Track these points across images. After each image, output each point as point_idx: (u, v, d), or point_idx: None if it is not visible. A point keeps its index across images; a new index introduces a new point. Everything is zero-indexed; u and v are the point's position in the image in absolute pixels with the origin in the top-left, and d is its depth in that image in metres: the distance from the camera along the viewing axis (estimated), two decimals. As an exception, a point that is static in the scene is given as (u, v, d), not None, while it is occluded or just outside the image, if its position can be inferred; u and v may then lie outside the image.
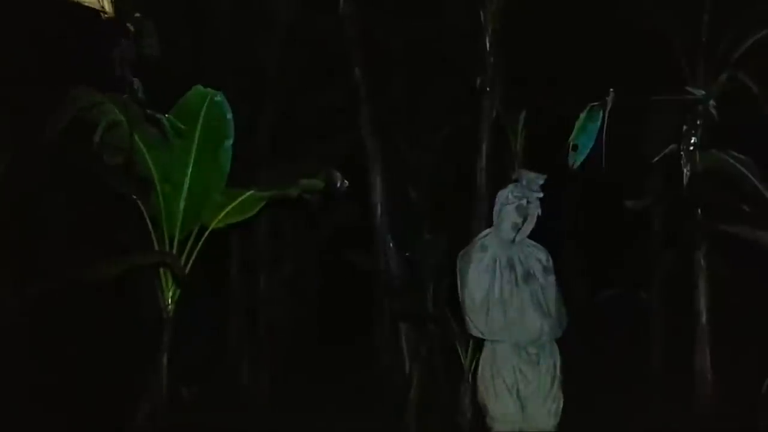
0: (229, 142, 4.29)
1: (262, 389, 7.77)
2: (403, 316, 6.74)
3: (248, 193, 4.30)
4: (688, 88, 3.94)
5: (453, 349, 5.79)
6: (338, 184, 4.29)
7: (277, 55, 8.41)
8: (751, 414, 5.56)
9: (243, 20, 8.30)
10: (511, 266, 4.72)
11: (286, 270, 8.54)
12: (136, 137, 4.05)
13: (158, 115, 3.97)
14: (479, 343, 4.93)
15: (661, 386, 7.96)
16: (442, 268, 5.96)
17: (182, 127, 4.08)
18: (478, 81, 6.74)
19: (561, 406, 4.70)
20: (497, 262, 4.71)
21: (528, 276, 4.74)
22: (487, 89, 6.70)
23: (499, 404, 4.64)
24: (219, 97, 4.15)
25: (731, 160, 4.78)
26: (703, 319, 6.86)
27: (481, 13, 6.68)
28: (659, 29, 6.71)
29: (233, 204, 4.29)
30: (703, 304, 6.84)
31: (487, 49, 6.68)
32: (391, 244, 7.13)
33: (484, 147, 6.73)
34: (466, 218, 6.53)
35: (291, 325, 8.42)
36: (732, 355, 7.01)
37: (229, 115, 4.21)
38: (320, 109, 8.39)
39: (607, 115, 3.87)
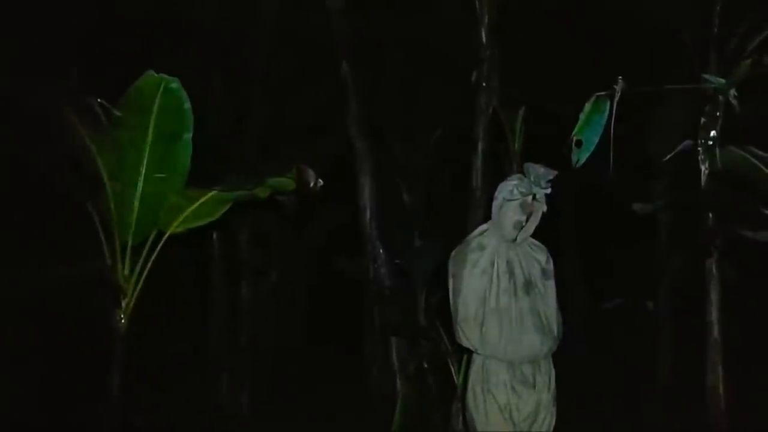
0: (188, 135, 3.81)
1: (242, 403, 7.33)
2: (393, 330, 6.29)
3: (210, 194, 3.82)
4: (706, 76, 3.47)
5: (445, 364, 5.33)
6: (312, 184, 3.80)
7: (262, 51, 8.08)
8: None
9: (227, 15, 7.95)
10: (511, 272, 4.14)
11: (270, 278, 8.13)
12: (83, 129, 3.58)
13: (89, 100, 3.50)
14: (471, 359, 4.42)
15: (669, 402, 7.60)
16: (435, 277, 5.52)
17: (117, 113, 3.61)
18: (474, 76, 6.37)
19: (553, 424, 4.18)
20: (495, 266, 4.14)
21: (528, 285, 4.18)
22: (483, 85, 6.34)
23: (491, 425, 4.13)
24: (175, 84, 3.65)
25: (751, 158, 4.31)
26: (715, 331, 6.47)
27: (477, 3, 6.31)
28: (668, 19, 6.37)
29: (194, 206, 3.82)
30: (714, 315, 6.44)
31: (483, 42, 6.31)
32: (381, 251, 6.72)
33: (480, 146, 6.38)
34: (461, 223, 6.15)
35: (274, 336, 7.97)
36: (746, 370, 6.63)
37: (187, 105, 3.72)
38: (308, 107, 8.03)
39: (615, 105, 3.36)
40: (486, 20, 6.30)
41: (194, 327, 7.64)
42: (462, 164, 6.62)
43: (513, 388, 4.12)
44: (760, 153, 4.39)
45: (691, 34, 6.34)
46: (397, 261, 6.54)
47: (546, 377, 4.19)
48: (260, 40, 8.07)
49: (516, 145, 6.68)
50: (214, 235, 8.01)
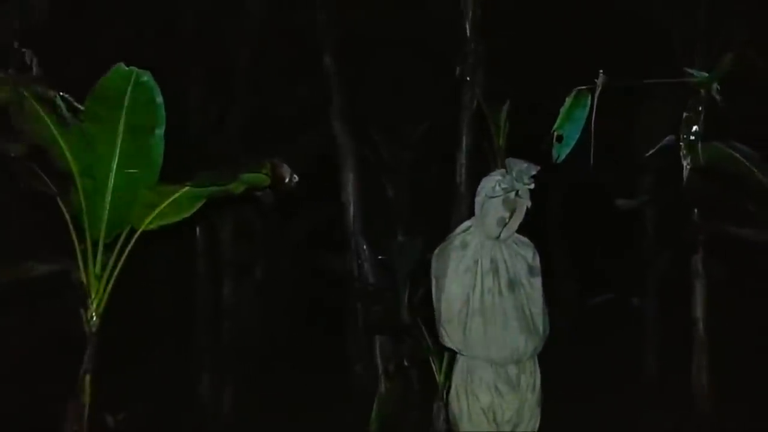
0: (161, 129, 3.71)
1: (224, 402, 7.25)
2: (375, 328, 6.22)
3: (183, 190, 3.71)
4: (689, 70, 3.41)
5: (426, 362, 5.26)
6: (287, 179, 3.71)
7: (247, 45, 7.98)
8: (751, 426, 5.12)
9: (211, 7, 7.83)
10: (495, 270, 4.03)
11: (253, 275, 8.04)
12: (49, 122, 3.48)
13: (51, 93, 3.39)
14: (455, 358, 4.34)
15: (656, 398, 7.56)
16: (418, 274, 5.44)
17: (80, 107, 3.51)
18: (458, 70, 6.29)
19: (538, 424, 4.09)
20: (479, 264, 4.03)
21: (513, 284, 4.07)
22: (468, 79, 6.25)
23: (474, 426, 4.05)
24: (146, 77, 3.55)
25: (735, 154, 4.25)
26: (701, 327, 6.45)
27: (461, -3, 6.24)
28: (653, 15, 6.34)
29: (166, 202, 3.72)
30: (700, 311, 6.43)
31: (468, 35, 6.22)
32: (364, 247, 6.65)
33: (464, 141, 6.29)
34: (446, 219, 6.07)
35: (256, 333, 7.88)
36: (731, 365, 6.61)
37: (159, 99, 3.62)
38: (292, 102, 7.93)
39: (596, 100, 3.29)
40: (470, 14, 6.21)
41: (173, 325, 7.52)
42: (447, 160, 6.52)
43: (497, 389, 4.02)
44: (744, 148, 4.34)
45: (678, 28, 6.31)
46: (380, 257, 6.45)
47: (531, 378, 4.09)
48: (244, 34, 7.96)
49: (500, 141, 6.62)
50: (197, 231, 7.95)
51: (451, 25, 6.35)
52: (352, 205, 6.75)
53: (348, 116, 6.76)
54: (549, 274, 4.47)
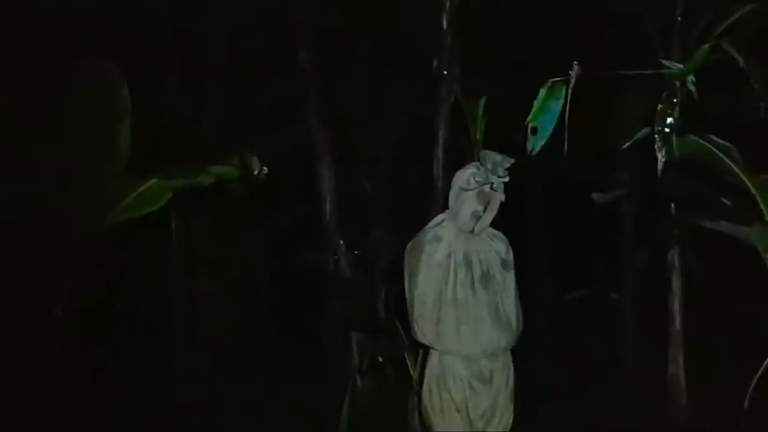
0: (127, 121, 3.63)
1: (198, 397, 7.19)
2: (350, 323, 6.17)
3: (150, 182, 3.64)
4: (664, 61, 3.37)
5: (401, 358, 5.22)
6: (256, 171, 3.65)
7: (222, 39, 7.89)
8: (726, 420, 5.12)
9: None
10: (468, 264, 4.00)
11: (228, 270, 7.97)
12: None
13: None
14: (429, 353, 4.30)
15: (633, 391, 7.60)
16: (394, 269, 5.38)
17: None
18: (435, 64, 6.24)
19: (511, 420, 4.10)
20: (452, 258, 4.00)
21: (486, 278, 4.04)
22: (445, 72, 6.21)
23: (446, 423, 4.02)
24: (112, 69, 3.48)
25: (711, 147, 4.23)
26: (677, 321, 6.46)
27: (438, -11, 6.18)
28: (631, 7, 6.30)
29: (133, 195, 3.64)
30: (677, 305, 6.43)
31: (444, 28, 6.17)
32: (341, 242, 6.60)
33: (440, 135, 6.25)
34: (423, 214, 6.02)
35: (230, 329, 7.81)
36: (707, 359, 6.66)
37: (125, 90, 3.55)
38: (268, 96, 7.85)
39: (570, 92, 3.25)
40: (447, 7, 6.16)
41: (146, 320, 7.44)
42: (424, 154, 6.47)
43: (470, 384, 4.01)
44: (720, 141, 4.32)
45: (654, 19, 6.28)
46: (356, 252, 6.40)
47: (504, 373, 4.09)
48: (219, 27, 7.87)
49: (478, 135, 6.58)
50: (173, 225, 7.87)
51: (428, 18, 6.31)
52: (328, 199, 6.70)
53: (324, 110, 6.70)
54: (527, 268, 4.44)
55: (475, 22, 6.31)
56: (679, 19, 5.99)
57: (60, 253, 3.65)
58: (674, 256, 6.34)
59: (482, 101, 6.47)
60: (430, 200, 6.16)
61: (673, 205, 5.95)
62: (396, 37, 7.27)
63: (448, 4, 6.14)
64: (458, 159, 6.30)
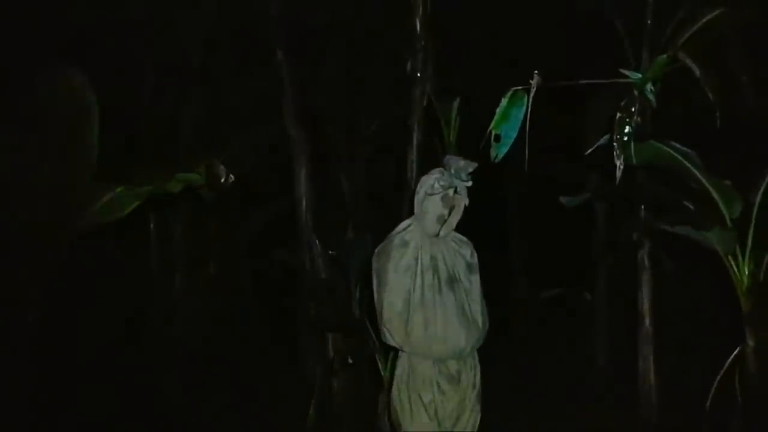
0: (94, 129, 3.66)
1: (175, 396, 7.20)
2: (326, 324, 6.21)
3: (118, 190, 3.67)
4: (623, 71, 3.45)
5: (372, 359, 5.28)
6: (222, 179, 3.69)
7: (199, 39, 7.89)
8: (694, 419, 5.22)
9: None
10: (435, 267, 4.07)
11: (205, 269, 7.99)
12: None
13: None
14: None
15: (603, 390, 7.68)
16: (368, 270, 5.44)
17: None
18: (408, 65, 6.28)
19: (479, 420, 4.15)
20: (419, 262, 4.06)
21: (452, 280, 4.12)
22: (418, 74, 6.25)
23: (415, 423, 4.08)
24: (78, 77, 3.50)
25: (673, 152, 4.32)
26: (647, 321, 6.55)
27: (411, -9, 6.21)
28: (603, 11, 6.38)
29: (100, 203, 3.66)
30: (646, 305, 6.52)
31: (417, 31, 6.22)
32: (317, 242, 6.63)
33: (414, 137, 6.29)
34: (397, 215, 6.07)
35: (207, 328, 7.83)
36: (676, 358, 6.80)
37: (92, 98, 3.57)
38: (244, 96, 7.86)
39: (530, 100, 3.31)
40: (420, 10, 6.20)
41: (121, 321, 7.44)
42: (400, 155, 6.52)
43: (438, 385, 4.07)
44: (682, 147, 4.42)
45: (624, 25, 6.37)
46: (331, 252, 6.44)
47: (471, 373, 4.15)
48: (196, 27, 7.87)
49: (451, 136, 6.65)
50: (151, 226, 7.88)
51: (401, 20, 6.34)
52: (304, 200, 6.73)
53: (300, 110, 6.72)
54: (501, 269, 4.51)
55: (448, 25, 6.35)
56: (648, 22, 6.08)
57: (29, 259, 3.67)
58: (644, 257, 6.43)
59: (455, 103, 6.56)
60: (404, 201, 6.20)
61: (642, 208, 6.05)
62: (371, 39, 7.29)
63: (421, 8, 6.18)
64: (432, 160, 6.39)
